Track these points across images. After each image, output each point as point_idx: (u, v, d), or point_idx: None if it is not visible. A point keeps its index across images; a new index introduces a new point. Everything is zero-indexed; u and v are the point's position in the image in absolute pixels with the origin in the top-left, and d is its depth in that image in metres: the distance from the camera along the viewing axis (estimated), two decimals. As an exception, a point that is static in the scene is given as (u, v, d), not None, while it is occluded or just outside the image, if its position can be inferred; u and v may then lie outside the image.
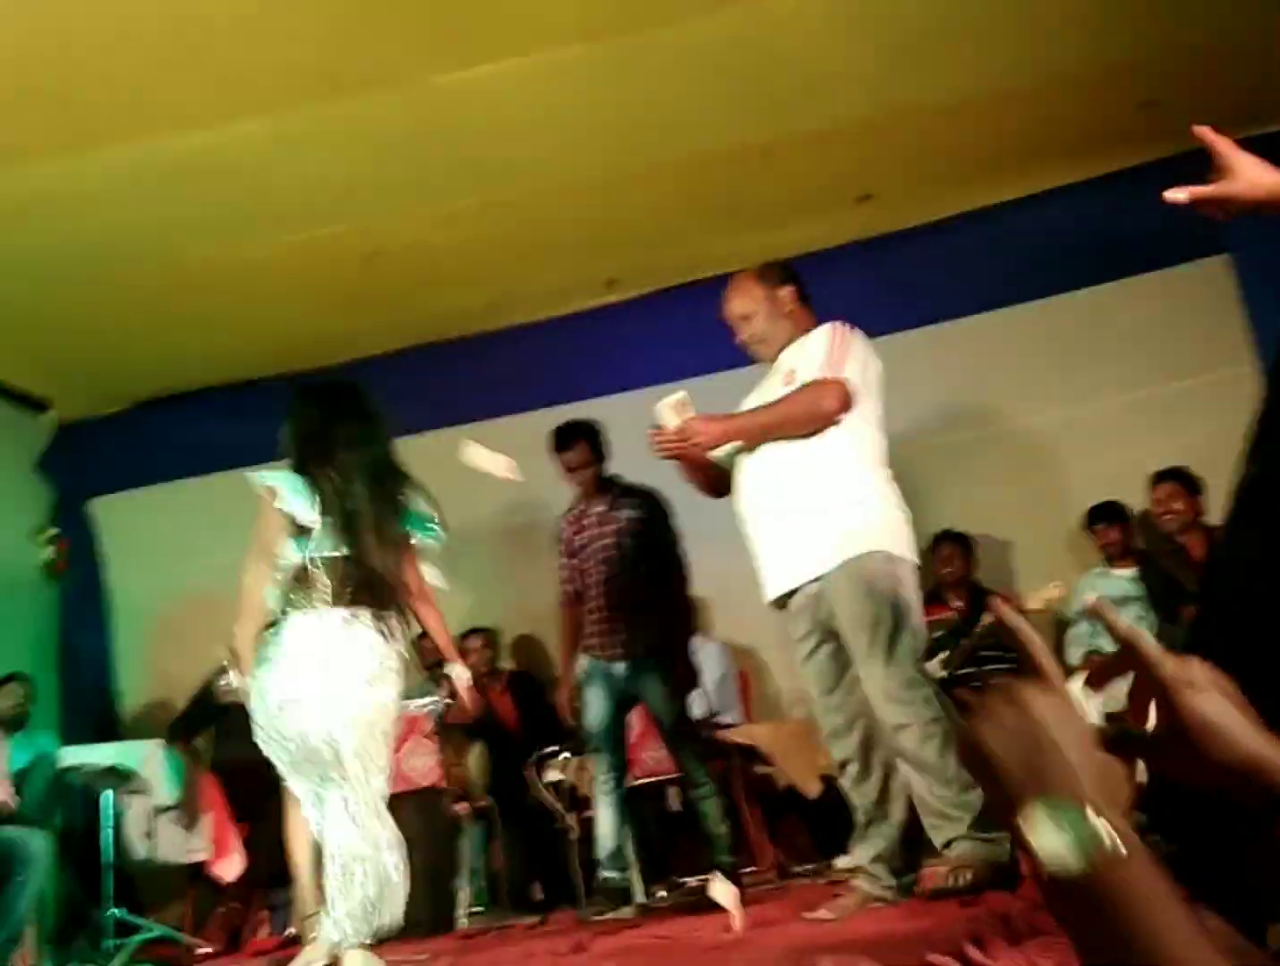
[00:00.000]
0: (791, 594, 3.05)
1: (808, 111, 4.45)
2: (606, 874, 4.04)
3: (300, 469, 2.92)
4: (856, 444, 3.02)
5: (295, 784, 3.03)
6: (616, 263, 5.56)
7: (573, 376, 5.64)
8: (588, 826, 4.18)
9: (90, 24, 3.53)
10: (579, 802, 4.30)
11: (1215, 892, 1.72)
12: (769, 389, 3.13)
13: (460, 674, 3.44)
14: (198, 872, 4.75)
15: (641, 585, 4.14)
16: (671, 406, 3.07)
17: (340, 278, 5.26)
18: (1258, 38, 4.31)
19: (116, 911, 4.26)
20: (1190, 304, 4.98)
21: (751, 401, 3.22)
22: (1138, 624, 4.77)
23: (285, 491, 2.87)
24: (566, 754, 4.47)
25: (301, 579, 2.88)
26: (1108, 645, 5.07)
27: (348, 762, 2.83)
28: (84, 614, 6.08)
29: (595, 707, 4.15)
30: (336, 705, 2.83)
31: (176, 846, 4.55)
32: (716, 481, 3.28)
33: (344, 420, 2.98)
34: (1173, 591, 4.53)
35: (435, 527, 3.12)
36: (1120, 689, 3.92)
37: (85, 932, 4.83)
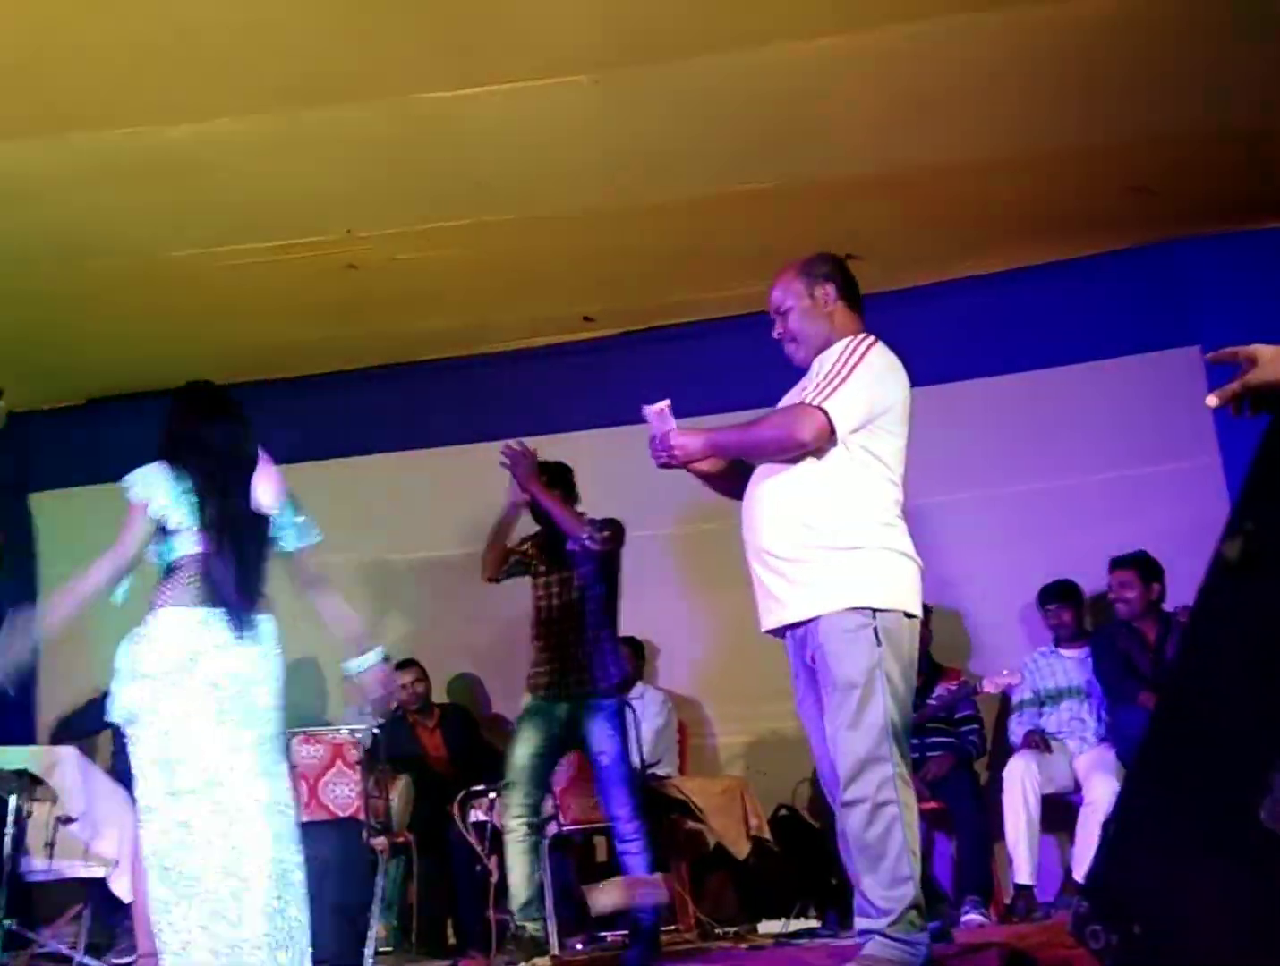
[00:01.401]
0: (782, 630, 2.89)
1: (801, 163, 4.42)
2: (520, 923, 3.91)
3: (172, 468, 2.90)
4: (855, 482, 2.78)
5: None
6: (595, 299, 5.52)
7: (542, 409, 5.59)
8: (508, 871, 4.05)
9: (72, 7, 3.44)
10: (501, 845, 4.17)
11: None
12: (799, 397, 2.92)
13: (369, 661, 3.10)
14: (100, 888, 4.56)
15: (589, 623, 4.06)
16: (654, 413, 2.92)
17: (314, 288, 5.17)
18: (1253, 132, 4.34)
19: (8, 923, 4.07)
20: (1160, 391, 5.00)
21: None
22: (1079, 709, 4.73)
23: (158, 496, 2.86)
24: (492, 794, 4.34)
25: (169, 576, 2.87)
26: (1051, 725, 5.06)
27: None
28: (14, 611, 5.88)
29: (524, 743, 4.04)
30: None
31: (77, 859, 4.36)
32: (732, 485, 3.04)
33: (217, 423, 3.01)
34: (1129, 675, 4.50)
35: (306, 529, 3.08)
36: (1059, 770, 3.84)
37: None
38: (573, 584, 4.12)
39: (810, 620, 2.77)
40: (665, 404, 2.92)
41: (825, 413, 2.74)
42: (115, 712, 2.84)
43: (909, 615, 2.80)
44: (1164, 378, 5.04)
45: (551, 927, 4.06)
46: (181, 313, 5.33)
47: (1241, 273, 4.94)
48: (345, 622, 3.13)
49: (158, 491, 2.86)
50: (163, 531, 2.87)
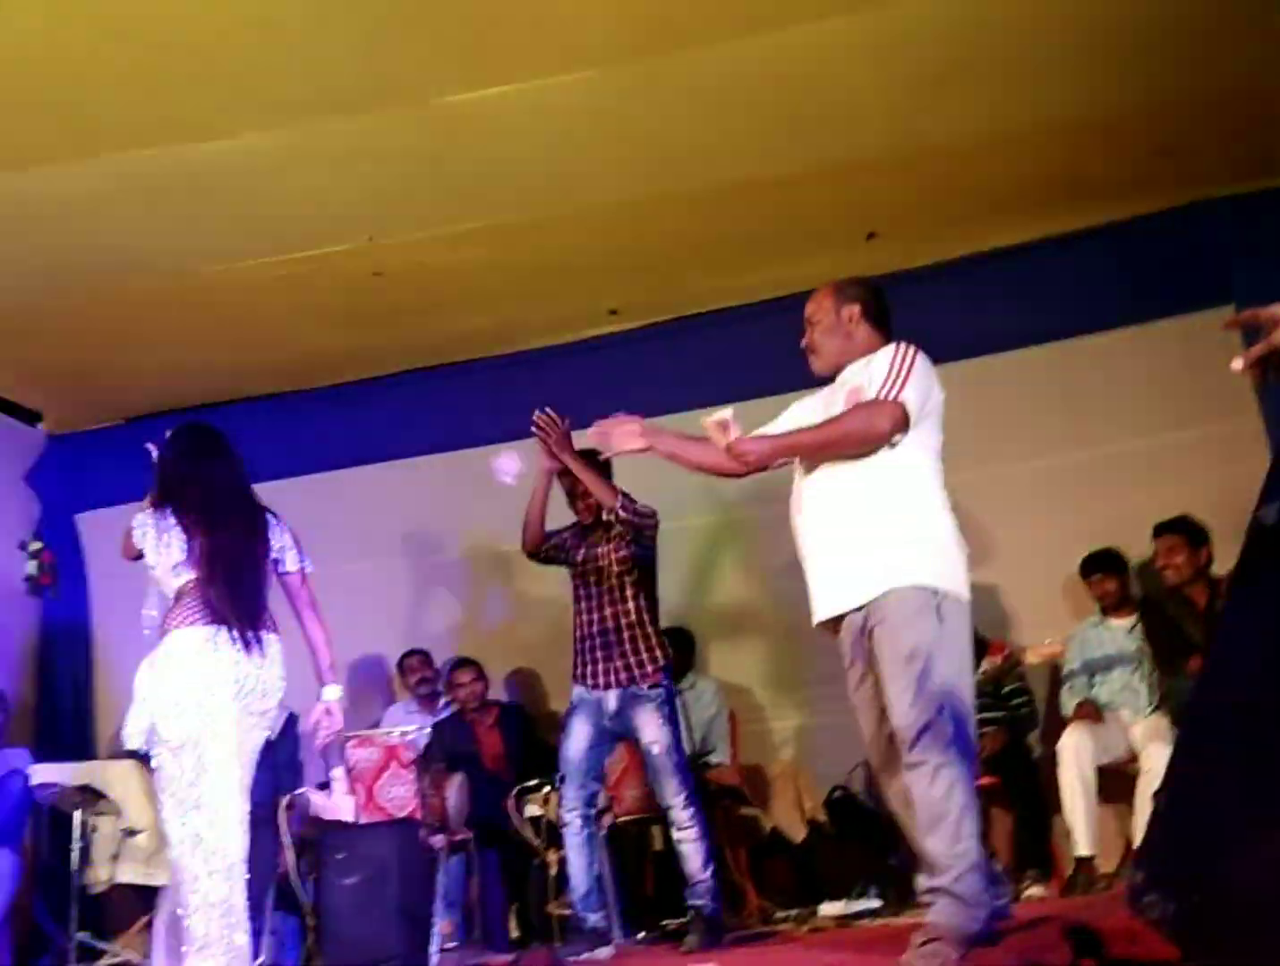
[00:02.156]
0: (840, 619, 3.00)
1: (823, 145, 4.40)
2: (581, 914, 3.95)
3: (166, 506, 3.21)
4: (911, 473, 2.95)
5: None
6: (620, 292, 5.52)
7: (572, 404, 5.59)
8: (566, 863, 4.09)
9: (99, 33, 3.50)
10: (559, 839, 4.20)
11: (1218, 949, 1.65)
12: (833, 403, 3.07)
13: (330, 694, 3.38)
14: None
15: (630, 610, 4.08)
16: (715, 425, 2.98)
17: (342, 297, 5.22)
18: (1276, 88, 4.27)
19: (80, 936, 4.15)
20: (1196, 353, 4.93)
21: (804, 410, 3.17)
22: (1130, 678, 4.70)
23: (148, 542, 3.18)
24: (547, 788, 4.38)
25: (176, 603, 3.15)
26: (1104, 695, 5.02)
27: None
28: (65, 629, 5.99)
29: (574, 736, 4.07)
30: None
31: (142, 869, 4.44)
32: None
33: (203, 462, 3.30)
34: (1177, 644, 4.45)
35: (296, 556, 3.37)
36: (1114, 740, 3.83)
37: (50, 956, 4.73)
38: (611, 572, 4.13)
39: (872, 601, 2.89)
40: (727, 413, 2.98)
41: (902, 404, 2.89)
42: (132, 739, 3.07)
43: (964, 601, 2.93)
44: (1200, 339, 4.96)
45: (613, 917, 4.08)
46: (214, 328, 5.40)
47: (1277, 230, 4.86)
48: (320, 653, 3.38)
49: (147, 537, 3.18)
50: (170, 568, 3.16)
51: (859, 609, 2.93)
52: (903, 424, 2.90)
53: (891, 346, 3.02)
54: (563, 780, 4.06)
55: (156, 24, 3.49)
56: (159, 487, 3.28)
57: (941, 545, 2.94)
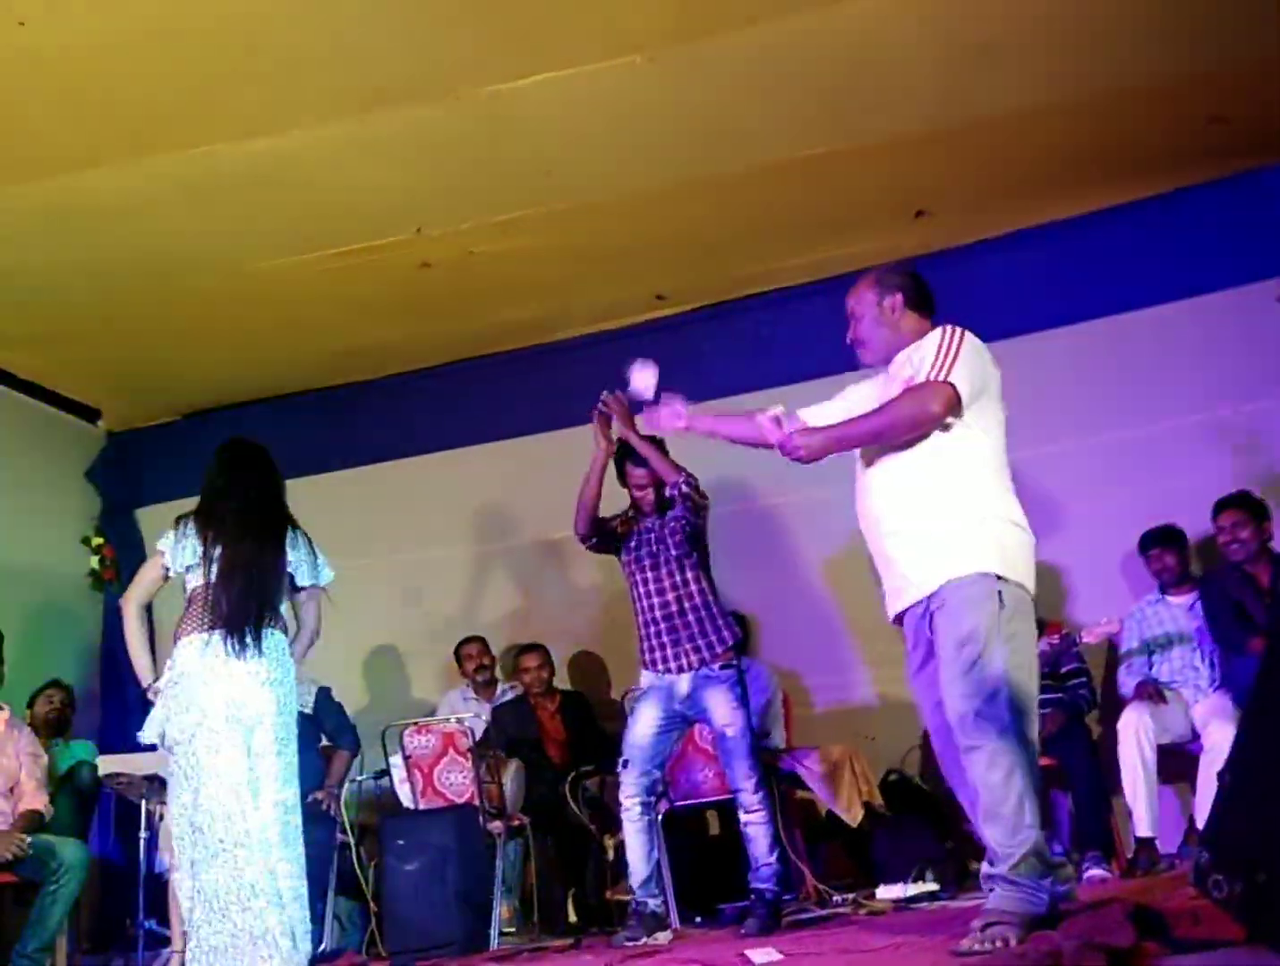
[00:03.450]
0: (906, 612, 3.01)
1: (870, 122, 4.37)
2: (641, 899, 3.96)
3: (197, 517, 3.46)
4: (968, 457, 2.91)
5: None
6: (667, 277, 5.52)
7: (622, 390, 5.60)
8: (623, 848, 4.10)
9: (148, 34, 3.55)
10: (615, 823, 4.21)
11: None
12: (888, 393, 3.02)
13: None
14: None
15: (694, 591, 4.09)
16: (769, 421, 3.03)
17: (393, 289, 5.27)
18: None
19: (149, 923, 4.23)
20: (1256, 324, 4.84)
21: (859, 396, 3.15)
22: (1191, 656, 4.63)
23: (167, 545, 3.44)
24: (603, 774, 4.39)
25: (187, 609, 3.38)
26: (1164, 674, 4.94)
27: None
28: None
29: (642, 721, 4.08)
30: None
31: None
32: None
33: (234, 474, 3.52)
34: (1240, 622, 4.38)
35: (321, 568, 3.56)
36: (1174, 719, 3.79)
37: (118, 944, 4.84)
38: (670, 554, 4.12)
39: (933, 591, 2.86)
40: (779, 409, 3.06)
41: (952, 385, 2.86)
42: (146, 734, 3.33)
43: (1027, 590, 2.90)
44: (1256, 310, 4.88)
45: (671, 901, 4.09)
46: (266, 324, 5.47)
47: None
48: (297, 663, 3.50)
49: (167, 541, 3.43)
50: (183, 571, 3.41)
51: (921, 600, 2.91)
52: (955, 403, 2.86)
53: (938, 331, 2.98)
54: (625, 765, 4.06)
55: (205, 22, 3.53)
56: (201, 498, 3.53)
57: (1002, 530, 2.89)
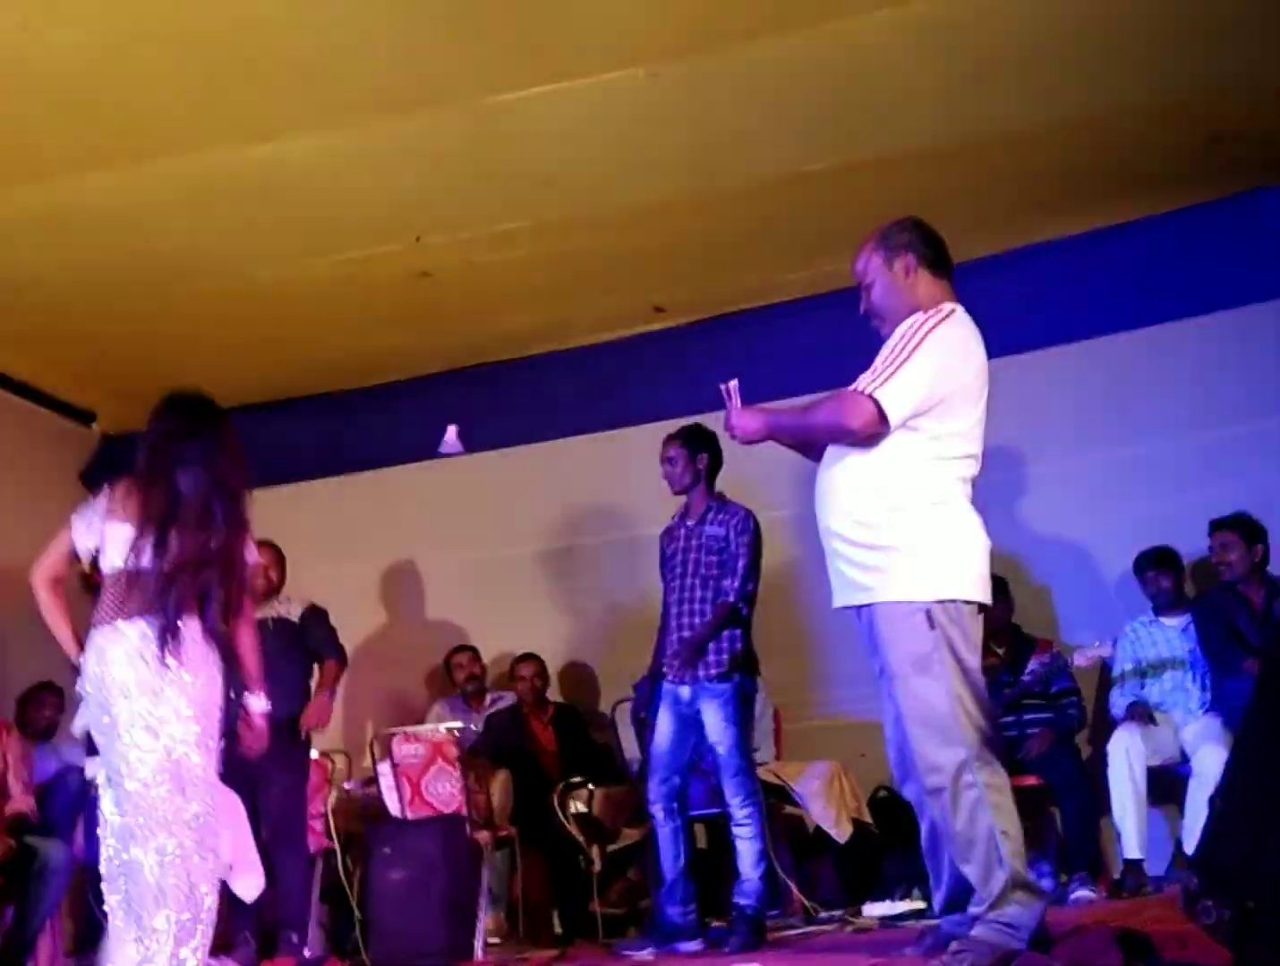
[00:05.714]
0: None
1: (872, 137, 4.37)
2: (665, 908, 3.94)
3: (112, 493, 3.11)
4: (906, 468, 2.73)
5: None
6: (666, 289, 5.51)
7: (619, 401, 5.61)
8: (610, 860, 4.09)
9: (148, 39, 3.54)
10: (603, 835, 4.20)
11: (1273, 956, 1.62)
12: None
13: (255, 705, 3.21)
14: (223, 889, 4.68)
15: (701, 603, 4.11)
16: (724, 391, 3.00)
17: (392, 297, 5.25)
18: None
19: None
20: (1255, 345, 4.85)
21: None
22: (1183, 679, 4.62)
23: (80, 522, 3.13)
24: (591, 785, 4.38)
25: (99, 594, 3.06)
26: (1155, 696, 4.93)
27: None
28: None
29: (658, 729, 4.07)
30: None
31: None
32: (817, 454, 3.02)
33: (190, 444, 3.14)
34: (1234, 643, 4.38)
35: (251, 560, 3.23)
36: (1164, 742, 3.78)
37: (101, 946, 4.80)
38: (704, 563, 4.15)
39: (865, 607, 2.79)
40: (732, 384, 2.98)
41: (875, 402, 2.70)
42: (76, 728, 3.11)
43: (966, 602, 2.75)
44: (1255, 332, 4.89)
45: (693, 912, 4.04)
46: (263, 329, 5.45)
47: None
48: (247, 658, 3.19)
49: (81, 517, 3.13)
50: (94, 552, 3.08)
51: (855, 608, 2.84)
52: (875, 423, 2.69)
53: (909, 320, 2.80)
54: (648, 774, 4.06)
55: (206, 28, 3.53)
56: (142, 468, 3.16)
57: (937, 550, 2.71)
